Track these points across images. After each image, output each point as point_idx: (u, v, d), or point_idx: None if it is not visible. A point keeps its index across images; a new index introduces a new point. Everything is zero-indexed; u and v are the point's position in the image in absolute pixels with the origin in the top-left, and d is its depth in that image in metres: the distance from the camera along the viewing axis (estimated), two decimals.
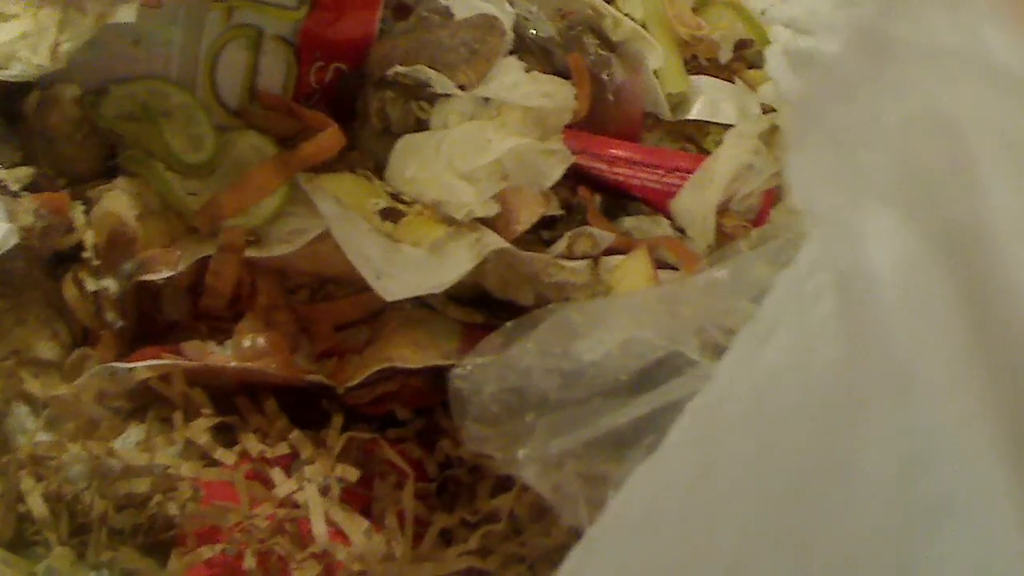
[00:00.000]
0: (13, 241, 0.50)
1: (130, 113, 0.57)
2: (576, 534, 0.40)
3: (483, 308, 0.59)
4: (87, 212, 0.54)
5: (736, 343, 0.39)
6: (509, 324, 0.53)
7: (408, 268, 0.54)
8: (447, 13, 0.59)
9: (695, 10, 0.69)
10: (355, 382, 0.52)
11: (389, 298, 0.52)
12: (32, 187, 0.53)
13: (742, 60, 0.69)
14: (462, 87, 0.57)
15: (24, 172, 0.53)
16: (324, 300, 0.57)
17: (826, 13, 0.63)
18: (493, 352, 0.52)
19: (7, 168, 0.53)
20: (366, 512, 0.52)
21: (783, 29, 0.68)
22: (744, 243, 0.55)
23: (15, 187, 0.52)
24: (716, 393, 0.39)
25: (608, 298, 0.55)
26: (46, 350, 0.53)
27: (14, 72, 0.51)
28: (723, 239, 0.61)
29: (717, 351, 0.47)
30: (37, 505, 0.47)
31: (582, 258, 0.59)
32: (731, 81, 0.67)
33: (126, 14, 0.51)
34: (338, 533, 0.49)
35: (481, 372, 0.51)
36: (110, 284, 0.52)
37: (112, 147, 0.57)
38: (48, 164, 0.55)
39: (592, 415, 0.48)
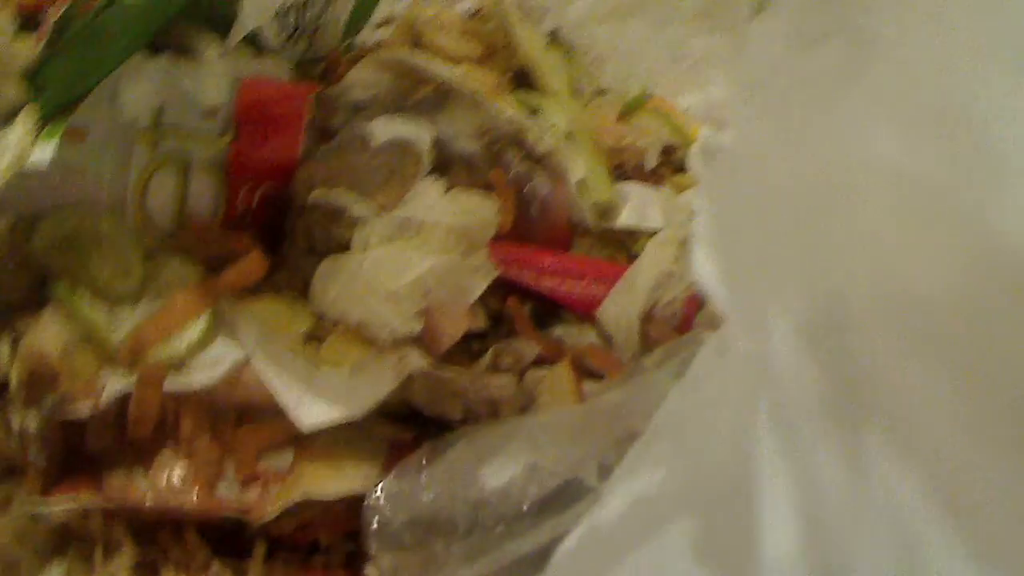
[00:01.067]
0: None
1: (60, 242, 0.58)
2: None
3: (413, 423, 0.60)
4: (13, 346, 0.55)
5: (624, 463, 0.40)
6: (421, 449, 0.53)
7: (327, 393, 0.55)
8: (366, 137, 0.60)
9: (621, 117, 0.70)
10: (272, 516, 0.52)
11: (305, 428, 0.53)
12: None
13: (669, 165, 0.70)
14: (381, 209, 0.58)
15: None
16: (249, 424, 0.57)
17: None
18: (406, 478, 0.52)
19: None
20: None
21: (703, 126, 0.69)
22: (648, 360, 0.55)
23: None
24: (599, 515, 0.39)
25: (514, 421, 0.55)
26: None
27: None
28: (649, 345, 0.61)
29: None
30: None
31: (507, 371, 0.60)
32: (659, 186, 0.68)
33: (44, 155, 0.52)
34: None
35: (392, 501, 0.51)
36: (32, 420, 0.53)
37: (41, 277, 0.58)
38: None
39: (498, 542, 0.49)
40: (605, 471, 0.47)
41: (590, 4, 0.75)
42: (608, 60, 0.74)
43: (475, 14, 0.75)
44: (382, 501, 0.51)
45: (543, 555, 0.48)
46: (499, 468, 0.50)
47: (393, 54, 0.66)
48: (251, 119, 0.59)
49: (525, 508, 0.49)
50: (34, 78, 0.55)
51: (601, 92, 0.75)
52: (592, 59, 0.76)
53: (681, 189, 0.68)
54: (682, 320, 0.62)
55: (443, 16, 0.72)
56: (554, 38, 0.75)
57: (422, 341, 0.59)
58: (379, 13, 0.71)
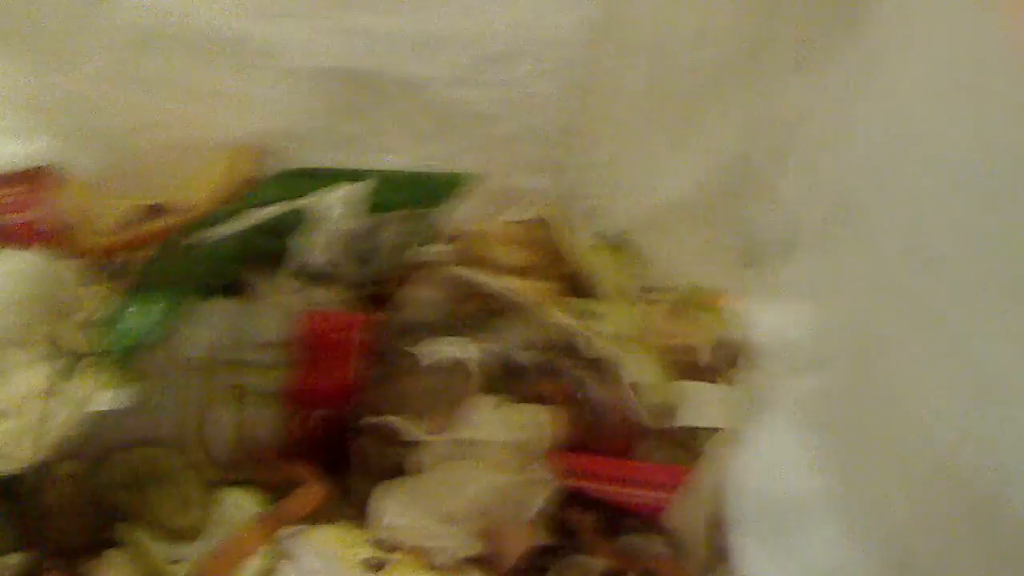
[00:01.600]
0: None
1: (124, 481, 0.59)
2: None
3: None
4: None
5: None
6: None
7: None
8: (415, 359, 0.61)
9: (672, 316, 0.70)
10: None
11: None
12: (24, 572, 0.55)
13: (724, 359, 0.69)
14: (434, 431, 0.58)
15: (14, 559, 0.55)
16: None
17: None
18: None
19: (1, 555, 0.55)
20: None
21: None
22: None
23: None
24: None
25: None
26: None
27: (3, 469, 0.53)
28: (718, 550, 0.60)
29: None
30: None
31: None
32: (714, 382, 0.68)
33: (110, 402, 0.54)
34: None
35: None
36: None
37: (107, 518, 0.59)
38: (44, 541, 0.57)
39: None
40: None
41: (638, 207, 0.77)
42: (657, 259, 0.76)
43: (526, 223, 0.77)
44: None
45: None
46: None
47: (445, 272, 0.68)
48: (305, 348, 0.61)
49: None
50: (98, 327, 0.58)
51: (649, 291, 0.76)
52: (642, 259, 0.77)
53: (736, 383, 0.67)
54: None
55: (497, 230, 0.74)
56: (603, 240, 0.77)
57: (485, 560, 0.58)
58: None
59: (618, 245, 0.78)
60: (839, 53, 0.57)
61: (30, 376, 0.55)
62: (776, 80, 0.68)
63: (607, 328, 0.67)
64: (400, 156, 0.73)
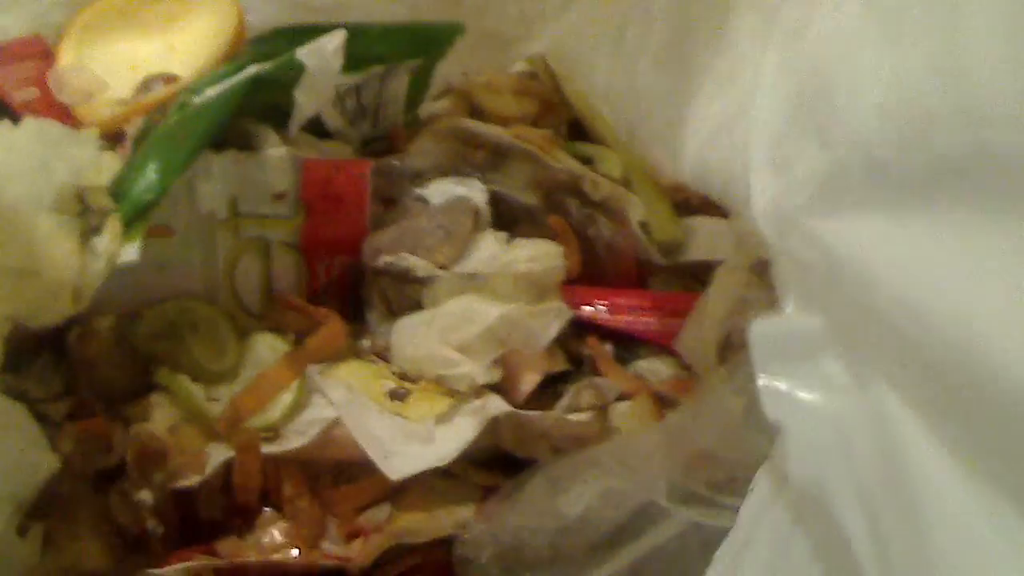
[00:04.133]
0: (56, 468, 0.56)
1: (160, 332, 0.63)
2: None
3: (505, 468, 0.62)
4: (125, 431, 0.59)
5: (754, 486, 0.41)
6: (504, 487, 0.55)
7: (414, 444, 0.58)
8: (425, 200, 0.63)
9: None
10: (368, 562, 0.55)
11: (394, 476, 0.56)
12: (73, 415, 0.59)
13: None
14: (443, 267, 0.61)
15: (64, 404, 0.59)
16: (347, 483, 0.60)
17: None
18: (490, 516, 0.54)
19: (51, 401, 0.59)
20: None
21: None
22: (715, 377, 0.56)
23: (57, 418, 0.58)
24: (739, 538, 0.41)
25: (586, 450, 0.56)
26: (99, 561, 0.58)
27: (44, 321, 0.57)
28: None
29: (685, 496, 0.49)
30: None
31: (590, 408, 0.62)
32: (725, 216, 0.69)
33: (131, 254, 0.57)
34: None
35: (480, 537, 0.53)
36: (146, 495, 0.57)
37: (146, 365, 0.63)
38: (89, 388, 0.61)
39: (580, 569, 0.50)
40: (676, 492, 0.49)
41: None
42: None
43: (526, 75, 0.78)
44: (470, 539, 0.53)
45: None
46: (575, 497, 0.51)
47: (449, 123, 0.70)
48: (317, 198, 0.63)
49: (603, 533, 0.50)
50: (117, 187, 0.61)
51: None
52: None
53: None
54: None
55: (496, 80, 0.75)
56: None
57: (503, 388, 0.62)
58: (436, 86, 0.76)
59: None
60: None
61: (60, 235, 0.58)
62: None
63: (612, 170, 0.69)
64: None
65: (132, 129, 0.66)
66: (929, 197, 0.31)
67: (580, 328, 0.65)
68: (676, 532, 0.48)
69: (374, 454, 0.57)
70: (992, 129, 0.28)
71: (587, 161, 0.69)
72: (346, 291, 0.67)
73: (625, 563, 0.49)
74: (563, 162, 0.68)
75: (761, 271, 0.64)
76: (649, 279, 0.68)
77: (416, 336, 0.61)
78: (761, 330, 0.40)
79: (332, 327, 0.62)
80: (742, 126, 0.45)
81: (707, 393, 0.54)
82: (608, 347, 0.65)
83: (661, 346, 0.66)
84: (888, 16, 0.34)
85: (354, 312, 0.66)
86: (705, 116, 0.53)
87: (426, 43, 0.71)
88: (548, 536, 0.52)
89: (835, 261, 0.36)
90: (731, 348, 0.64)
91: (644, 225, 0.67)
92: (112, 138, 0.68)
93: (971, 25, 0.29)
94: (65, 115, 0.71)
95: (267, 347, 0.63)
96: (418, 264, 0.61)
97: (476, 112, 0.74)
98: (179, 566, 0.55)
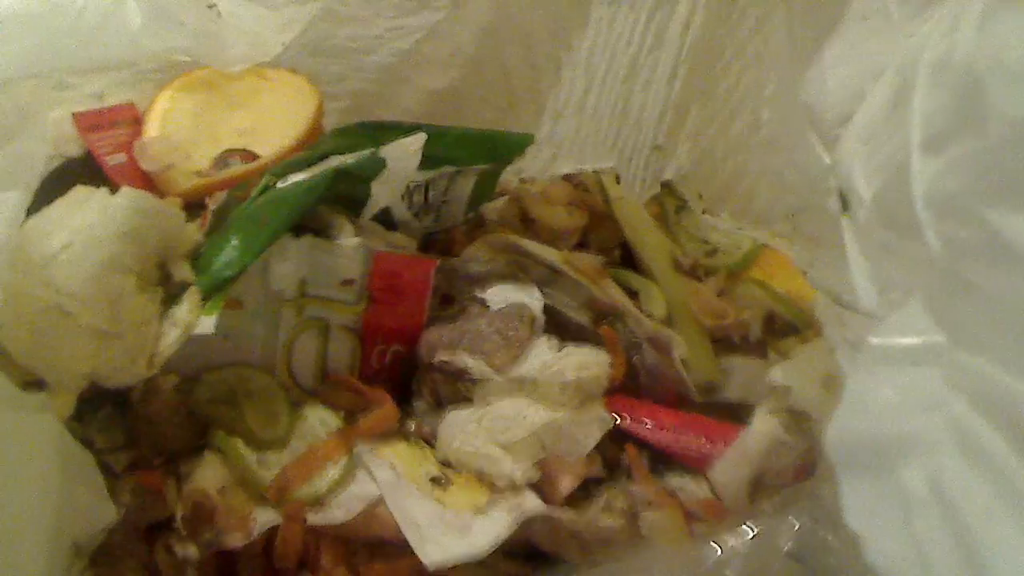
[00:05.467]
0: (116, 518, 0.59)
1: (219, 396, 0.66)
2: None
3: (533, 561, 0.65)
4: (178, 487, 0.63)
5: None
6: None
7: (451, 534, 0.61)
8: (484, 303, 0.67)
9: (722, 293, 0.75)
10: None
11: (429, 563, 0.59)
12: (131, 467, 0.62)
13: (773, 333, 0.75)
14: (499, 369, 0.65)
15: (125, 456, 0.62)
16: (382, 560, 0.63)
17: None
18: None
19: (112, 452, 0.62)
20: None
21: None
22: (768, 504, 0.59)
23: (117, 469, 0.61)
24: None
25: (623, 563, 0.59)
26: None
27: (119, 382, 0.61)
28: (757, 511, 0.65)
29: None
30: None
31: (621, 513, 0.65)
32: (764, 356, 0.73)
33: (207, 327, 0.61)
34: None
35: None
36: (192, 551, 0.60)
37: (203, 426, 0.66)
38: (148, 444, 0.64)
39: None
40: None
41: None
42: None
43: (578, 184, 0.83)
44: None
45: None
46: None
47: (503, 238, 0.74)
48: (383, 288, 0.67)
49: None
50: (197, 259, 0.65)
51: (711, 253, 0.80)
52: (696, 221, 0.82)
53: (787, 355, 0.72)
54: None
55: (551, 192, 0.80)
56: (666, 188, 0.82)
57: (540, 487, 0.65)
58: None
59: (680, 194, 0.82)
60: None
61: (143, 301, 0.62)
62: None
63: (656, 308, 0.73)
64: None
65: (213, 204, 0.70)
66: None
67: (618, 436, 0.68)
68: None
69: (411, 538, 0.60)
70: None
71: (633, 294, 0.73)
72: (396, 378, 0.70)
73: None
74: (610, 295, 0.72)
75: (797, 416, 0.68)
76: (685, 410, 0.71)
77: (465, 431, 0.64)
78: None
79: (386, 408, 0.65)
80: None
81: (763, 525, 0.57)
82: (642, 455, 0.68)
83: (694, 468, 0.68)
84: None
85: (401, 400, 0.69)
86: None
87: (498, 150, 0.76)
88: None
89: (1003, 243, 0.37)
90: (762, 488, 0.66)
91: (684, 363, 0.70)
92: (189, 209, 0.72)
93: None
94: (148, 182, 0.76)
95: (318, 420, 0.66)
96: (475, 366, 0.65)
97: (527, 219, 0.78)
98: None
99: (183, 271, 0.63)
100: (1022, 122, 0.36)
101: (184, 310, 0.61)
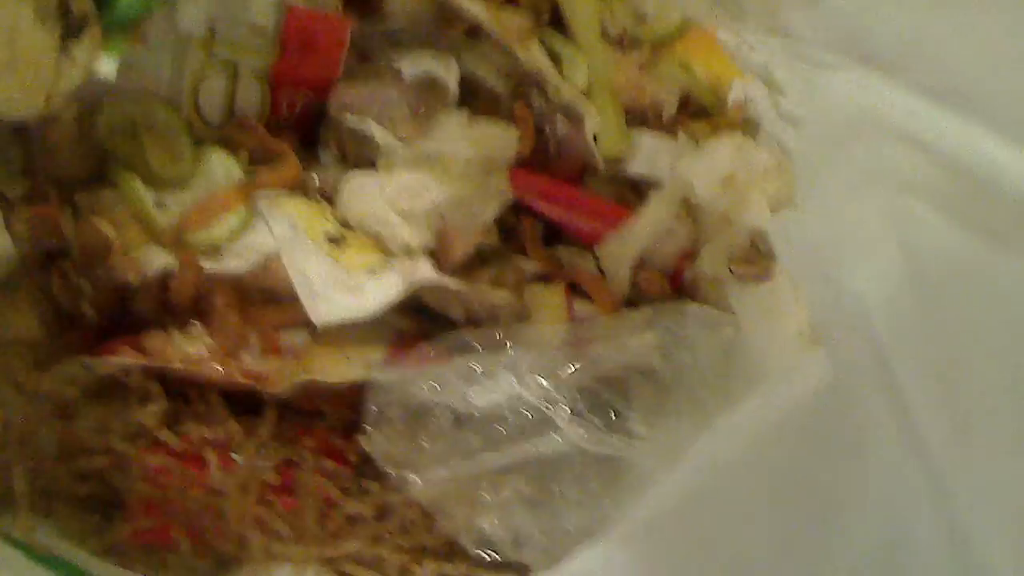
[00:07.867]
0: (9, 248, 0.60)
1: (120, 127, 0.65)
2: None
3: (420, 316, 0.68)
4: (74, 216, 0.63)
5: None
6: (422, 348, 0.62)
7: (342, 292, 0.63)
8: (398, 70, 0.66)
9: (643, 67, 0.75)
10: (280, 389, 0.61)
11: (317, 320, 0.61)
12: (27, 198, 0.62)
13: (686, 113, 0.75)
14: (406, 139, 0.65)
15: (21, 185, 0.62)
16: (275, 309, 0.65)
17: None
18: (404, 372, 0.61)
19: (8, 179, 0.62)
20: (289, 491, 0.62)
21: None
22: (635, 317, 0.62)
23: (12, 197, 0.61)
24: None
25: (508, 351, 0.62)
26: (33, 331, 0.63)
27: (13, 115, 0.59)
28: (637, 290, 0.69)
29: (582, 420, 0.56)
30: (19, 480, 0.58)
31: (508, 285, 0.67)
32: (674, 135, 0.73)
33: (108, 70, 0.59)
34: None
35: (391, 392, 0.60)
36: (85, 285, 0.62)
37: (102, 159, 0.65)
38: (46, 174, 0.64)
39: (473, 452, 0.58)
40: (575, 415, 0.56)
41: None
42: None
43: None
44: (383, 387, 0.60)
45: (507, 472, 0.57)
46: (487, 391, 0.58)
47: None
48: (295, 42, 0.66)
49: (504, 431, 0.57)
50: None
51: (640, 19, 0.79)
52: None
53: (698, 138, 0.73)
54: (672, 275, 0.69)
55: None
56: None
57: (434, 252, 0.67)
58: None
59: None
60: None
61: (41, 34, 0.59)
62: None
63: (578, 77, 0.72)
64: None
65: None
66: None
67: (513, 207, 0.69)
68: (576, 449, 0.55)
69: (303, 293, 0.62)
70: None
71: (556, 58, 0.72)
72: (304, 127, 0.70)
73: (511, 460, 0.57)
74: (532, 58, 0.71)
75: (691, 210, 0.70)
76: (587, 181, 0.73)
77: (366, 195, 0.65)
78: None
79: (288, 161, 0.65)
80: None
81: (624, 332, 0.60)
82: (539, 227, 0.70)
83: (585, 244, 0.71)
84: None
85: (307, 148, 0.69)
86: None
87: None
88: (452, 416, 0.58)
89: None
90: (644, 269, 0.69)
91: (596, 136, 0.71)
92: None
93: None
94: None
95: (220, 165, 0.66)
96: (381, 136, 0.64)
97: None
98: (112, 360, 0.60)
99: (83, 4, 0.60)
100: None
101: (84, 47, 0.59)
